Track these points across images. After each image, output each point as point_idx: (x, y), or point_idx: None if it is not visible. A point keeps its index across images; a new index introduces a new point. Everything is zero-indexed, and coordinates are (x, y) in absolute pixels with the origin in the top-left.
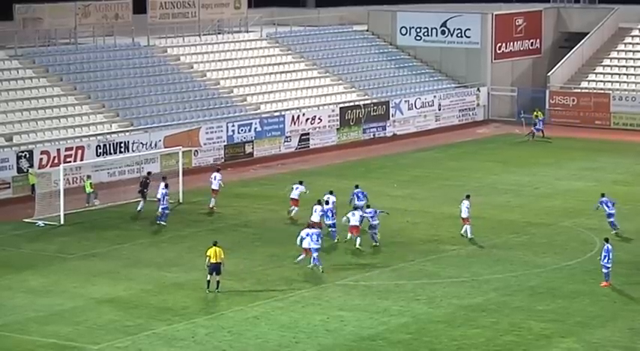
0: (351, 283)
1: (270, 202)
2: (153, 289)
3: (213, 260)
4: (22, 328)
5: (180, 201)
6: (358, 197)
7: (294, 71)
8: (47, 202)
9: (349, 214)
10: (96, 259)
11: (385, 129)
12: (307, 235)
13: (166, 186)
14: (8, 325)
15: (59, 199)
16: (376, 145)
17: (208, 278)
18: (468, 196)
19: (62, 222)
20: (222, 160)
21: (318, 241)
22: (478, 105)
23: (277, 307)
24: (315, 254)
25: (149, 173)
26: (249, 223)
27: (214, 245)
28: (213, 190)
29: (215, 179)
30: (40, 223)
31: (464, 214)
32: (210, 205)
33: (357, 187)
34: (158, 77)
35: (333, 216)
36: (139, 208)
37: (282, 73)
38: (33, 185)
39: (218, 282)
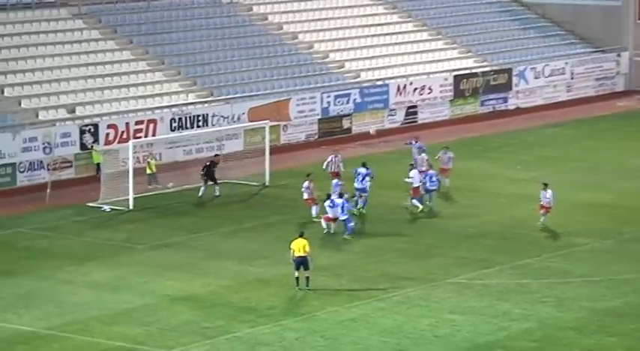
0: (465, 281)
1: (375, 187)
2: (234, 286)
3: (297, 254)
4: (84, 328)
5: (267, 183)
6: (359, 178)
7: (400, 33)
8: (114, 183)
9: (326, 204)
10: (169, 250)
11: (507, 101)
12: (337, 205)
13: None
14: (69, 324)
15: (128, 180)
16: (496, 120)
17: (296, 275)
18: (546, 185)
19: (131, 207)
20: (316, 137)
21: (344, 211)
22: (618, 73)
23: (378, 309)
24: (350, 224)
25: (216, 156)
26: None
27: (300, 236)
28: (306, 199)
29: (307, 189)
30: (106, 207)
31: (545, 201)
32: (314, 214)
33: (363, 165)
34: (242, 39)
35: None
36: (200, 194)
37: (386, 35)
38: (98, 164)
39: (307, 278)
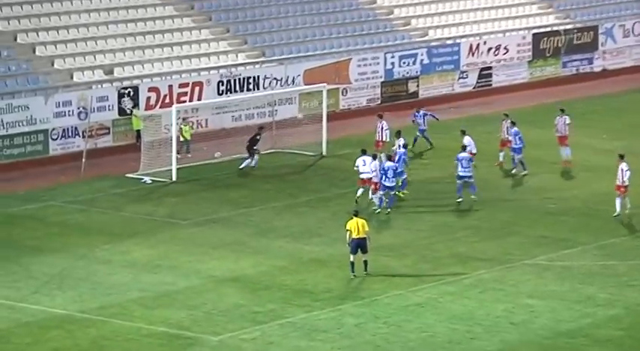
0: (545, 262)
1: (440, 156)
2: (288, 267)
3: (355, 235)
4: (123, 311)
5: (324, 153)
6: (389, 174)
7: None
8: (155, 153)
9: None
10: (216, 226)
11: (592, 62)
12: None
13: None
14: (106, 307)
15: (170, 149)
16: (580, 84)
17: (352, 259)
18: (622, 156)
19: (174, 178)
20: (378, 102)
21: (393, 178)
22: None
23: (447, 293)
24: (391, 193)
25: (261, 128)
26: (411, 184)
27: (355, 216)
28: (363, 179)
29: (366, 164)
30: (147, 179)
31: (620, 181)
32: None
33: (389, 158)
34: None
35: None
36: (241, 165)
37: None
38: (138, 131)
39: (365, 262)
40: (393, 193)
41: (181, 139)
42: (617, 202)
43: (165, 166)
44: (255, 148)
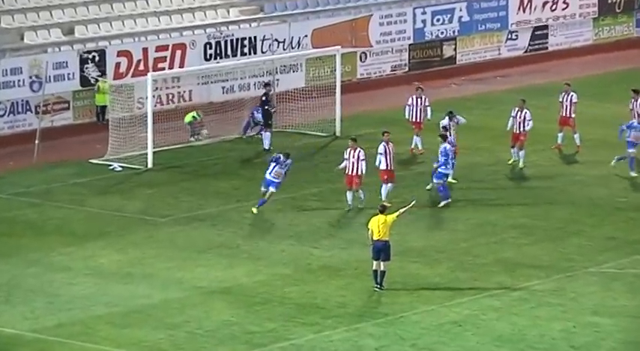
0: (613, 270)
1: (483, 137)
2: (292, 275)
3: (376, 236)
4: (86, 331)
5: (337, 133)
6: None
7: None
8: (127, 133)
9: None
10: (202, 225)
11: None
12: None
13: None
14: (65, 326)
15: (146, 128)
16: None
17: (374, 267)
18: None
19: (150, 165)
20: (406, 69)
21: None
22: None
23: (491, 308)
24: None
25: (267, 85)
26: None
27: (381, 212)
28: (349, 175)
29: (357, 159)
30: (116, 165)
31: None
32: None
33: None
34: None
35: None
36: (266, 146)
37: None
38: (104, 107)
39: (383, 274)
40: (443, 181)
41: (188, 119)
42: None
43: (138, 149)
44: (270, 117)
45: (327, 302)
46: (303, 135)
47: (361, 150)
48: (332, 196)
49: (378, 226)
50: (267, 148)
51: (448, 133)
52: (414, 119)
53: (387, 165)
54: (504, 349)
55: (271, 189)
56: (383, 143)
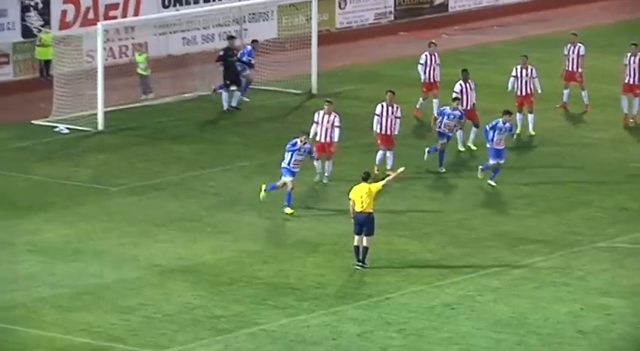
0: (626, 245)
1: (480, 95)
2: (262, 251)
3: (358, 208)
4: (29, 315)
5: (313, 91)
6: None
7: None
8: (74, 90)
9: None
10: (161, 194)
11: None
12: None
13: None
14: (6, 309)
15: (96, 85)
16: None
17: (356, 242)
18: None
19: (101, 127)
20: (391, 17)
21: None
22: None
23: (488, 288)
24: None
25: (231, 39)
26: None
27: (364, 180)
28: (320, 142)
29: (332, 125)
30: (62, 127)
31: None
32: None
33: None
34: None
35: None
36: (234, 103)
37: None
38: (48, 61)
39: (365, 250)
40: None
41: (142, 72)
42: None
43: (87, 109)
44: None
45: (303, 282)
46: (274, 93)
47: (337, 115)
48: (308, 162)
49: (360, 195)
50: (233, 105)
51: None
52: (426, 78)
53: (381, 128)
54: (503, 335)
55: (289, 178)
56: (381, 103)
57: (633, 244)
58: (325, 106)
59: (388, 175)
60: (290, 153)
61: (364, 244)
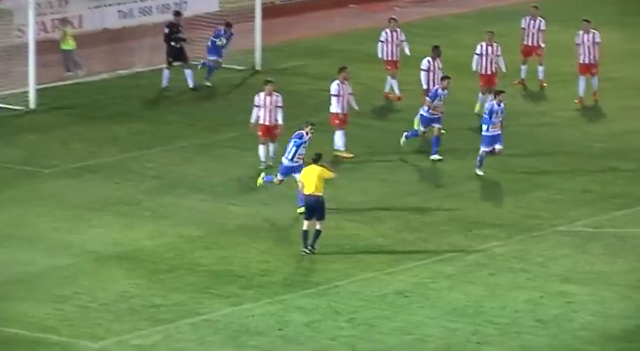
0: (589, 229)
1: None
2: (204, 237)
3: (307, 191)
4: None
5: (257, 67)
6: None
7: None
8: (4, 67)
9: None
10: (96, 177)
11: None
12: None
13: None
14: None
15: (27, 61)
16: None
17: (305, 226)
18: None
19: (32, 105)
20: None
21: None
22: None
23: (443, 275)
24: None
25: (177, 14)
26: (382, 112)
27: (315, 162)
28: (265, 125)
29: (274, 106)
30: None
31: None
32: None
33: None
34: None
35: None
36: (191, 84)
37: None
38: None
39: (317, 233)
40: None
41: (64, 46)
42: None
43: (18, 86)
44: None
45: (247, 269)
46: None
47: (279, 95)
48: (251, 142)
49: (310, 178)
50: (191, 87)
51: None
52: (387, 56)
53: (341, 107)
54: (459, 324)
55: (287, 176)
56: (337, 82)
57: (595, 228)
58: (266, 87)
59: (337, 156)
60: (295, 146)
61: (317, 227)
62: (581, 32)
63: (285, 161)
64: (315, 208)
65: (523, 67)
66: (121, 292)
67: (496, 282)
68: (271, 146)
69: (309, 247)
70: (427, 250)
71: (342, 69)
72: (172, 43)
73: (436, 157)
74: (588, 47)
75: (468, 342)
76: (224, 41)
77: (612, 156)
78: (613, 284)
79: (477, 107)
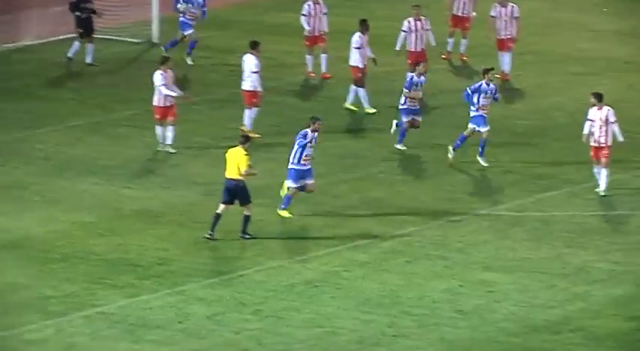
0: (511, 213)
1: (346, 45)
2: (98, 223)
3: (228, 173)
4: None
5: (154, 40)
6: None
7: None
8: None
9: None
10: None
11: None
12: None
13: None
14: None
15: None
16: None
17: (219, 210)
18: (598, 97)
19: None
20: None
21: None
22: None
23: (356, 263)
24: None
25: None
26: (292, 88)
27: (241, 144)
28: (160, 106)
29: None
30: None
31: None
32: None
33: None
34: None
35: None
36: (88, 60)
37: None
38: None
39: (247, 219)
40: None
41: None
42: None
43: None
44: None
45: (144, 258)
46: (110, 42)
47: (171, 72)
48: (149, 121)
49: (232, 161)
50: (88, 62)
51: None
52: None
53: (254, 87)
54: (373, 316)
55: (310, 181)
56: (254, 57)
57: (519, 212)
58: (162, 66)
59: (242, 131)
60: (300, 148)
61: (245, 213)
62: (497, 5)
63: (292, 166)
64: (234, 192)
65: (450, 40)
66: (9, 283)
67: (413, 270)
68: (169, 129)
69: (242, 234)
70: (339, 236)
71: (252, 43)
72: (78, 14)
73: (400, 146)
74: (506, 21)
75: (384, 335)
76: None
77: (536, 134)
78: (537, 272)
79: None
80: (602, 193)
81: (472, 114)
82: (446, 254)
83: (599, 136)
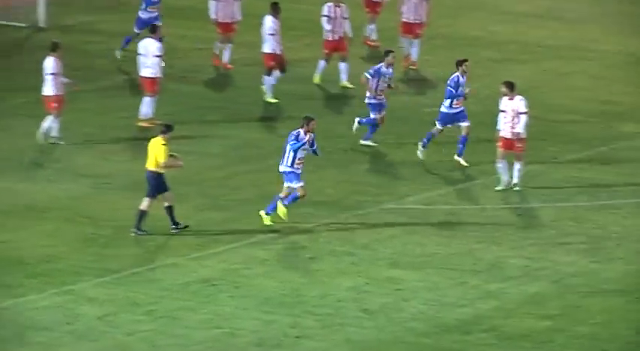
0: (419, 207)
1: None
2: None
3: (148, 165)
4: None
5: (41, 24)
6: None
7: None
8: None
9: None
10: None
11: None
12: None
13: None
14: None
15: None
16: None
17: (144, 207)
18: (510, 87)
19: None
20: None
21: None
22: None
23: (256, 260)
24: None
25: None
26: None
27: (163, 133)
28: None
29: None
30: None
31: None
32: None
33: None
34: None
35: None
36: None
37: None
38: None
39: (170, 209)
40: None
41: None
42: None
43: None
44: None
45: (30, 255)
46: None
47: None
48: (40, 109)
49: (151, 152)
50: None
51: None
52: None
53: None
54: (274, 316)
55: (294, 184)
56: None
57: (427, 205)
58: (53, 53)
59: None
60: (292, 151)
61: (165, 203)
62: None
63: (284, 169)
64: (156, 183)
65: (370, 27)
66: None
67: (317, 267)
68: (55, 121)
69: (175, 226)
70: (238, 231)
71: (154, 27)
72: None
73: (368, 142)
74: (415, 4)
75: (286, 336)
76: None
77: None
78: (447, 268)
79: (317, 78)
80: (516, 188)
81: (445, 110)
82: (351, 250)
83: (512, 128)
